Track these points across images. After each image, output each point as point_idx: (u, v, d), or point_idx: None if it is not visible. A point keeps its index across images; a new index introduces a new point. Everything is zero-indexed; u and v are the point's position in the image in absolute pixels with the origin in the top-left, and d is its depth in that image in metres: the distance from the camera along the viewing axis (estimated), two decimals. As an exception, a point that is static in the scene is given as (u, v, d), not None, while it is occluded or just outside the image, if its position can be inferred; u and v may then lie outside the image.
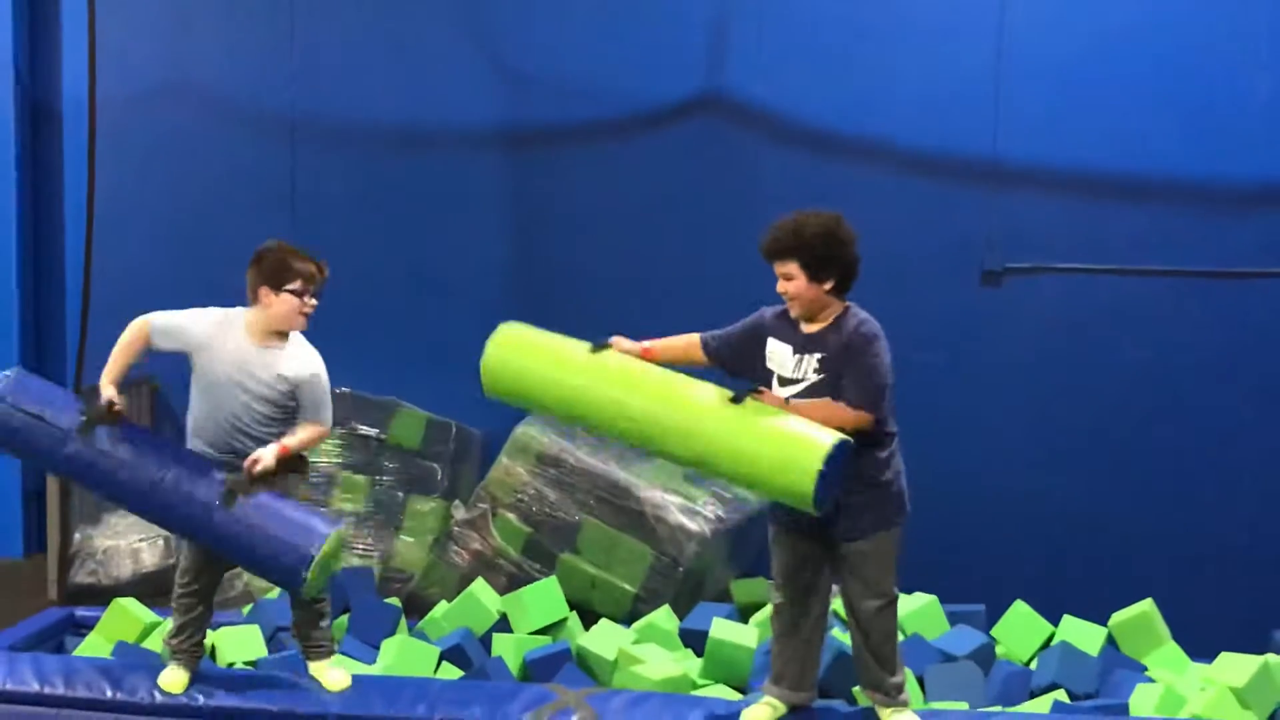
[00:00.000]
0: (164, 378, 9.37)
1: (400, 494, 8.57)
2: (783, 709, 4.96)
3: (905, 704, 4.86)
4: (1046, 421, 8.51)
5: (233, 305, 5.45)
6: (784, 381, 4.81)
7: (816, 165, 8.70)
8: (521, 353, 5.01)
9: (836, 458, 4.49)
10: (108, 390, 5.25)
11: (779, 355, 4.83)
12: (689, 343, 5.04)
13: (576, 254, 9.06)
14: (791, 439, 4.56)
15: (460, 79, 9.08)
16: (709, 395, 4.71)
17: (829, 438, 4.51)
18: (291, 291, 5.20)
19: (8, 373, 5.32)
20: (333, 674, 5.25)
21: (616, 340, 4.93)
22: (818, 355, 4.74)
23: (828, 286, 4.76)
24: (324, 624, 5.40)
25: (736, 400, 4.62)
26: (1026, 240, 8.50)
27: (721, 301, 8.53)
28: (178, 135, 9.36)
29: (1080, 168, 8.43)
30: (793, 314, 4.86)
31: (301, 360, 5.30)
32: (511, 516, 7.99)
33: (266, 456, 5.18)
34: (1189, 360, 8.34)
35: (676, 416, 4.67)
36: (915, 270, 8.57)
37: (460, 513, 8.26)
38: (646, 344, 4.98)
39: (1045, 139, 8.43)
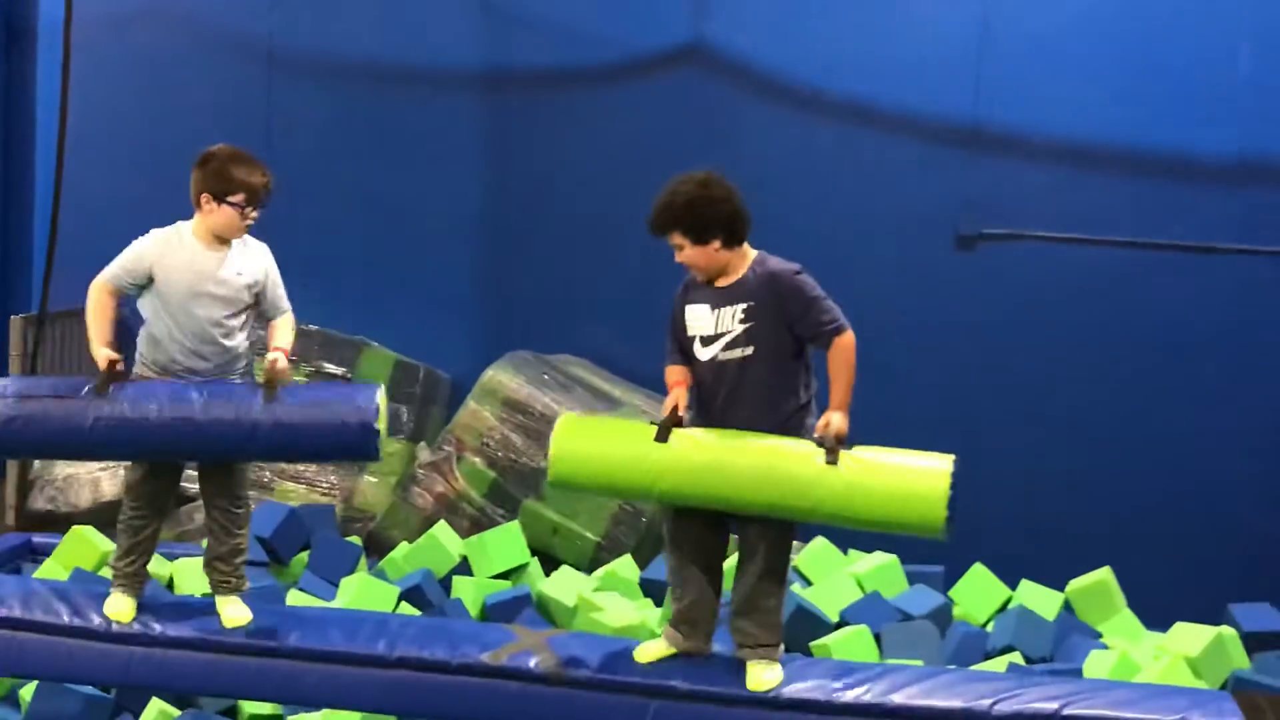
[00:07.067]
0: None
1: (365, 433, 8.54)
2: (676, 649, 4.94)
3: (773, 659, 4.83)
4: (1013, 388, 8.52)
5: None
6: (706, 340, 4.82)
7: (796, 122, 8.67)
8: (592, 438, 4.89)
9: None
10: (102, 352, 5.09)
11: (696, 318, 4.87)
12: (678, 376, 4.92)
13: (552, 201, 9.01)
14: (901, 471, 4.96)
15: (442, 18, 8.99)
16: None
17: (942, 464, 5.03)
18: (233, 205, 5.12)
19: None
20: (232, 610, 5.21)
21: (666, 418, 4.79)
22: (741, 306, 4.77)
23: (716, 246, 4.81)
24: (238, 560, 5.33)
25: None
26: (1003, 206, 8.49)
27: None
28: (154, 59, 9.25)
29: (1060, 136, 8.41)
30: (699, 280, 4.88)
31: (255, 256, 5.23)
32: (476, 460, 7.97)
33: (280, 357, 5.11)
34: (1159, 334, 8.35)
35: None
36: (890, 232, 8.55)
37: (425, 455, 8.24)
38: (676, 410, 4.85)
39: (1026, 105, 8.41)
